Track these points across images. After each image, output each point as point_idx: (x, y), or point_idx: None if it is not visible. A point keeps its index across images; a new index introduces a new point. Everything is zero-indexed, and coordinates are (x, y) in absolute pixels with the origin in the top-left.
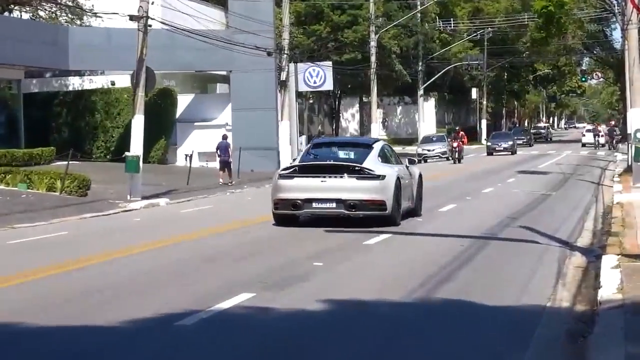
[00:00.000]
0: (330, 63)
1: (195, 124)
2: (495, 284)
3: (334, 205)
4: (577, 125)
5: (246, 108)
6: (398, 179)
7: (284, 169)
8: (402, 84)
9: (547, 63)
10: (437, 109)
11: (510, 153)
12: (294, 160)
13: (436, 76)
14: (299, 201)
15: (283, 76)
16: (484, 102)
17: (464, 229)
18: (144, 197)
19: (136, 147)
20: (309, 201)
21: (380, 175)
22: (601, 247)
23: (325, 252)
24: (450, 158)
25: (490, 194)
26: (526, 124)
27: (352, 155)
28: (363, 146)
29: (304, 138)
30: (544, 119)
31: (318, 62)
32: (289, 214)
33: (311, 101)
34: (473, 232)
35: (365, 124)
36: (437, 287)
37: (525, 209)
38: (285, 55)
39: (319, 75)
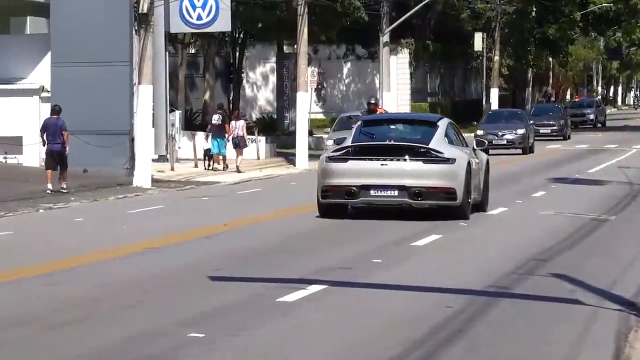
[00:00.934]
0: None
1: None
2: None
3: (396, 192)
4: None
5: (77, 61)
6: (469, 163)
7: (335, 150)
8: (354, 24)
9: None
10: (414, 69)
11: (520, 150)
12: (331, 141)
13: (412, 11)
14: (354, 188)
15: (144, 6)
16: (496, 58)
17: (453, 278)
18: None
19: None
20: (366, 188)
21: (449, 159)
22: None
23: (211, 314)
24: None
25: (502, 218)
26: (568, 96)
27: (414, 134)
28: (426, 124)
29: (178, 115)
30: (600, 88)
31: None
32: (341, 204)
33: (193, 51)
34: (471, 283)
35: (287, 92)
36: None
37: (563, 244)
38: None
39: (206, 6)
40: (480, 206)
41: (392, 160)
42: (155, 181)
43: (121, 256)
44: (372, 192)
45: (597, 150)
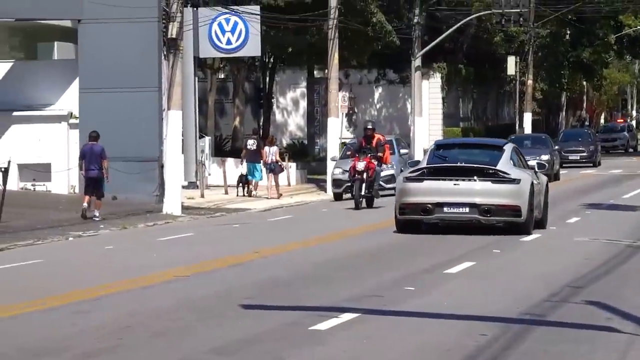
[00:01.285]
0: (257, 8)
1: (15, 113)
2: None
3: (467, 210)
4: None
5: (106, 87)
6: (532, 184)
7: (412, 172)
8: (385, 49)
9: None
10: (447, 93)
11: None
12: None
13: (445, 34)
14: (429, 205)
15: (173, 31)
16: (529, 82)
17: (487, 306)
18: None
19: None
20: (440, 205)
21: (515, 179)
22: None
23: (244, 343)
24: (354, 197)
25: (535, 244)
26: (603, 120)
27: (482, 157)
28: (493, 148)
29: (207, 141)
30: (634, 112)
31: (235, 7)
32: (417, 219)
33: (222, 76)
34: (504, 311)
35: (317, 117)
36: None
37: (598, 271)
38: None
39: (236, 30)
40: (540, 223)
41: (463, 180)
42: (185, 208)
43: (152, 284)
44: (445, 209)
45: (632, 175)
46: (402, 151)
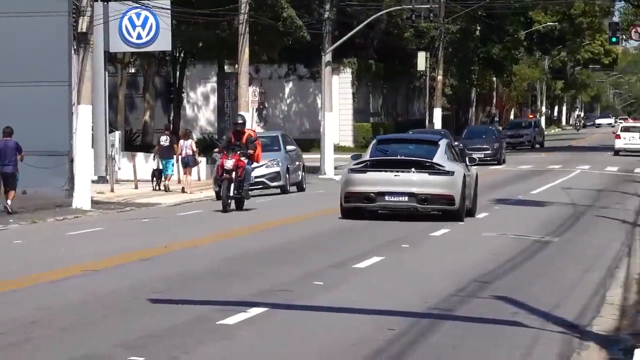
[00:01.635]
0: (167, 3)
1: None
2: None
3: (406, 199)
4: (598, 121)
5: (15, 81)
6: (464, 176)
7: (356, 164)
8: (296, 44)
9: (552, 11)
10: (357, 89)
11: None
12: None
13: (355, 30)
14: (372, 194)
15: (83, 26)
16: (439, 78)
17: (395, 301)
18: None
19: None
20: (382, 194)
21: (450, 171)
22: (634, 333)
23: (151, 337)
24: (221, 198)
25: (443, 239)
26: (512, 116)
27: (420, 151)
28: (430, 143)
29: (117, 135)
30: (544, 108)
31: (146, 2)
32: (360, 207)
33: (132, 70)
34: (412, 305)
35: (227, 112)
36: None
37: (505, 266)
38: None
39: (146, 25)
40: (471, 212)
41: (403, 172)
42: (94, 203)
43: (60, 279)
44: (386, 198)
45: (541, 171)
46: (289, 147)
